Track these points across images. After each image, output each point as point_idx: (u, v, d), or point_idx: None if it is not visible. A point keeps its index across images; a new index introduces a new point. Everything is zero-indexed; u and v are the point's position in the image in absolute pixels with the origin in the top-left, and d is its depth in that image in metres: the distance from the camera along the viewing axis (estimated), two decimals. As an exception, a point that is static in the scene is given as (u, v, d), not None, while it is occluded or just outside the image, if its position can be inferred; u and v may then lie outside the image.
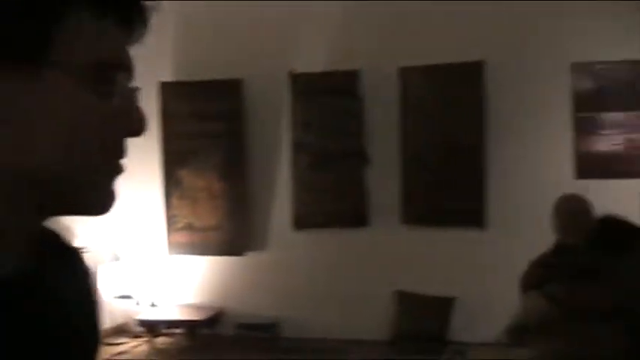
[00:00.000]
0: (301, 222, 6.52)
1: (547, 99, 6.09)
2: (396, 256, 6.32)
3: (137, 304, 6.70)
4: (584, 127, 6.05)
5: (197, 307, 6.64)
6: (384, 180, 6.31)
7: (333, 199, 6.43)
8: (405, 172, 6.27)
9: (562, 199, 3.76)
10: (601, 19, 5.99)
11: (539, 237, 3.84)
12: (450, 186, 6.15)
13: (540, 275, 3.07)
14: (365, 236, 6.39)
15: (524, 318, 2.55)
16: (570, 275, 2.55)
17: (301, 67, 6.47)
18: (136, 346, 6.27)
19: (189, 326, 6.41)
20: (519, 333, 2.52)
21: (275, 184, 6.62)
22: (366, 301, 6.32)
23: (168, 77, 6.70)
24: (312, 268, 6.50)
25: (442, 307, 6.16)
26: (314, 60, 6.45)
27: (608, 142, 6.03)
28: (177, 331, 6.47)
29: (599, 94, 6.04)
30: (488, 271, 5.99)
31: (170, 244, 6.78)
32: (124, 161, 0.87)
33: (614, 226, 2.61)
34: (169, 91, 6.68)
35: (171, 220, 6.78)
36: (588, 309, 2.38)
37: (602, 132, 6.03)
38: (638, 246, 2.40)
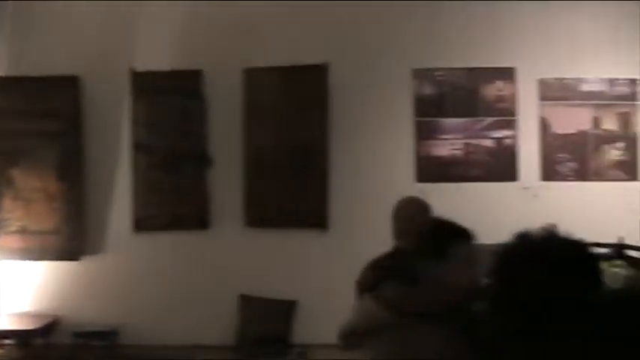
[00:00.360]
0: (142, 225, 6.33)
1: (390, 103, 6.19)
2: (239, 259, 6.25)
3: (-36, 313, 6.30)
4: (424, 131, 6.19)
5: (30, 316, 6.30)
6: (227, 182, 6.22)
7: (174, 202, 6.28)
8: (249, 174, 6.22)
9: (401, 202, 3.79)
10: (442, 26, 6.15)
11: (380, 239, 3.87)
12: (294, 188, 6.14)
13: (375, 278, 3.07)
14: (208, 239, 6.28)
15: (357, 321, 2.52)
16: (402, 278, 2.55)
17: (143, 66, 6.27)
18: (-39, 359, 5.89)
19: (21, 336, 6.07)
20: (352, 336, 2.49)
21: (114, 185, 6.39)
22: (209, 305, 6.20)
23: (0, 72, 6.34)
24: (153, 273, 6.31)
25: (285, 309, 6.14)
26: (156, 58, 6.27)
27: (447, 147, 6.19)
28: (8, 342, 6.12)
29: (439, 100, 6.20)
30: (331, 273, 6.00)
31: (1, 248, 6.41)
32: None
33: (440, 228, 2.64)
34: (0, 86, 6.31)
35: (2, 223, 6.41)
36: (419, 311, 2.38)
37: (442, 137, 6.19)
38: (459, 246, 2.41)
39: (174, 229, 6.30)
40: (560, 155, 6.20)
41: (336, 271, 5.84)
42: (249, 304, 6.17)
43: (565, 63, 6.18)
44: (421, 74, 6.19)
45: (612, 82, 6.23)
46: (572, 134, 6.22)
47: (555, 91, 6.22)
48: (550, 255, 1.77)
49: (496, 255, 1.85)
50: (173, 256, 6.32)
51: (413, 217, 3.49)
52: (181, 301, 6.23)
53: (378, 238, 3.89)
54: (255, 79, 6.19)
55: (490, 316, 1.85)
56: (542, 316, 1.65)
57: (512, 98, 6.20)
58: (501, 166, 6.17)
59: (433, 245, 2.49)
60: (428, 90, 6.20)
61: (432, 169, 6.17)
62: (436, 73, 6.20)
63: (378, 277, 3.02)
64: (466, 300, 2.36)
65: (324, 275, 6.08)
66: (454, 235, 2.45)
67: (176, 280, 6.27)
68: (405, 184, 5.86)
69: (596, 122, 6.23)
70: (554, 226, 1.86)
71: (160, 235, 6.32)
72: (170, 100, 6.28)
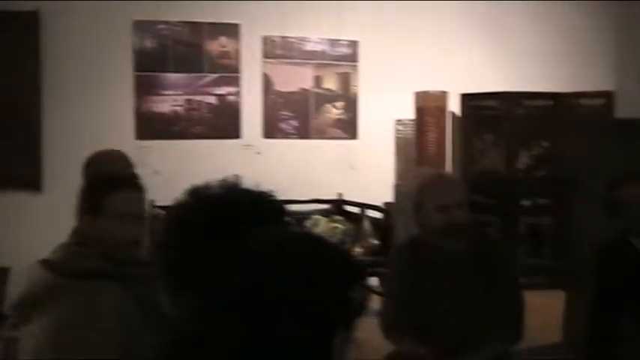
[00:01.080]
0: None
1: (109, 56, 5.91)
2: (-60, 225, 5.71)
3: None
4: (145, 86, 5.97)
5: None
6: None
7: None
8: (-50, 131, 5.68)
9: (94, 155, 3.61)
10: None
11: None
12: (3, 147, 5.69)
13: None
14: None
15: (24, 291, 2.29)
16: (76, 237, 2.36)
17: None
18: None
19: None
20: (21, 308, 2.26)
21: None
22: None
23: None
24: None
25: (-5, 278, 5.71)
26: None
27: (168, 103, 6.01)
28: None
29: (161, 54, 5.99)
30: (47, 237, 5.62)
31: None
32: None
33: (98, 181, 2.46)
34: None
35: None
36: (82, 271, 2.20)
37: (163, 92, 6.00)
38: (120, 200, 2.25)
39: None
40: (283, 113, 6.25)
41: (52, 235, 5.49)
42: (-48, 272, 5.67)
43: (289, 21, 6.20)
44: (142, 26, 5.94)
45: (333, 42, 6.36)
46: (294, 92, 6.28)
47: (279, 49, 6.23)
48: (224, 208, 1.66)
49: (169, 210, 1.72)
50: None
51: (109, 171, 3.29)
52: None
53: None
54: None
55: (157, 270, 1.72)
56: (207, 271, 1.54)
57: (235, 54, 6.13)
58: (224, 123, 6.10)
59: (88, 199, 2.31)
60: (149, 43, 5.97)
61: (153, 126, 5.97)
62: (158, 27, 5.98)
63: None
64: (129, 254, 2.21)
65: (39, 240, 5.66)
66: (112, 187, 2.28)
67: None
68: (124, 141, 5.60)
69: (318, 81, 6.34)
70: (237, 177, 1.75)
71: None
72: None
